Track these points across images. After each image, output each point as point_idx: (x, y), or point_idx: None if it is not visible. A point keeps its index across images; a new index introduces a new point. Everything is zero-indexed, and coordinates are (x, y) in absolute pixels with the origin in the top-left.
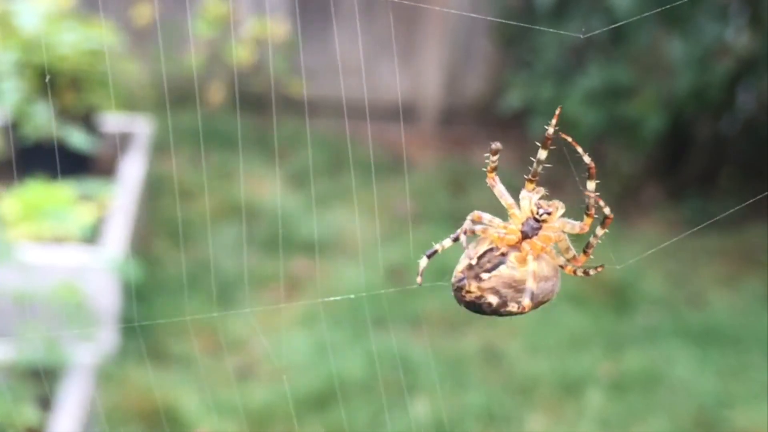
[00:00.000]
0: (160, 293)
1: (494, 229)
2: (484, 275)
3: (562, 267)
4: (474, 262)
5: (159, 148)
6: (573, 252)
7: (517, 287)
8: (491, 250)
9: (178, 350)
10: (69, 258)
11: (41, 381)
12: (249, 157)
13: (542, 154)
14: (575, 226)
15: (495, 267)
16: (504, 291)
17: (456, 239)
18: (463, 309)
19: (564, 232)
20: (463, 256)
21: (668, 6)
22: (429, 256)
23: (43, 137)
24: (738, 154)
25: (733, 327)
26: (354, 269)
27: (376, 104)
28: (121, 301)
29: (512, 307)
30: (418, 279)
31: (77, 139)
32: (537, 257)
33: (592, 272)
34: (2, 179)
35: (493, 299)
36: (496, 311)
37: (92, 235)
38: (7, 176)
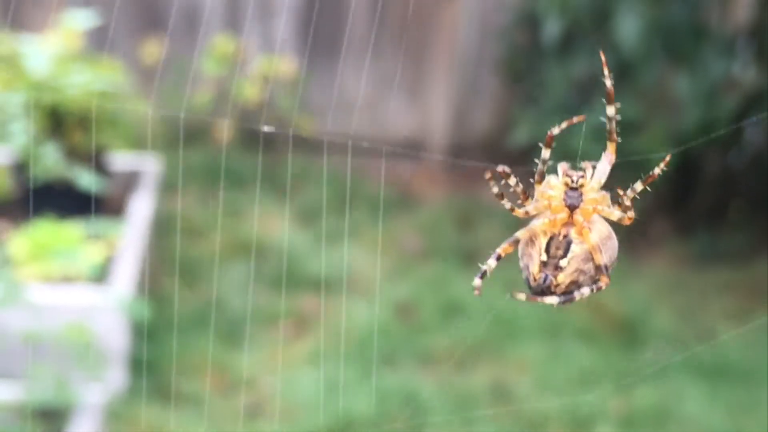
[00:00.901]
0: (168, 332)
1: (539, 220)
2: (562, 262)
3: (620, 220)
4: (545, 258)
5: (167, 187)
6: (618, 213)
7: (594, 260)
8: (552, 238)
9: (188, 389)
10: (78, 298)
11: (51, 421)
12: (257, 195)
13: (546, 153)
14: (612, 202)
15: (566, 250)
16: (586, 267)
17: (499, 257)
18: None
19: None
20: (523, 262)
21: (672, 41)
22: (481, 277)
23: (52, 178)
24: (746, 188)
25: (744, 362)
26: (363, 306)
27: (384, 140)
28: (130, 341)
29: (599, 284)
30: (476, 293)
31: (86, 180)
32: (592, 222)
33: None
34: (12, 219)
35: (582, 279)
36: (599, 289)
37: (101, 275)
38: (16, 216)
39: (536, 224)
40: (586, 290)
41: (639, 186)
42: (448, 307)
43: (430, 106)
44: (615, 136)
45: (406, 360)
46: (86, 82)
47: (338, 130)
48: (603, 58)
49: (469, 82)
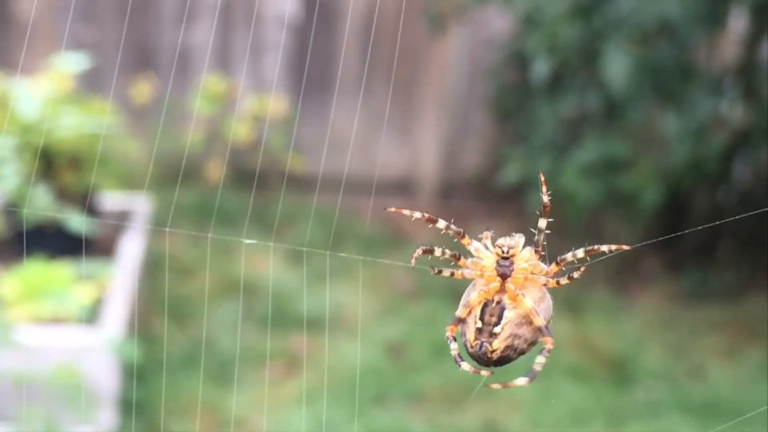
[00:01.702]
0: (158, 372)
1: (475, 291)
2: (496, 329)
3: (545, 285)
4: (480, 324)
5: (158, 226)
6: (545, 267)
7: (529, 321)
8: (486, 305)
9: (178, 429)
10: (68, 339)
11: None
12: (248, 234)
13: (542, 222)
14: (544, 267)
15: (500, 316)
16: (521, 331)
17: (449, 339)
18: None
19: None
20: (461, 330)
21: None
22: (425, 251)
23: (43, 219)
24: (736, 225)
25: (735, 400)
26: (353, 345)
27: (374, 179)
28: (120, 381)
29: (520, 341)
30: (413, 261)
31: (76, 222)
32: (525, 288)
33: (576, 275)
34: (2, 260)
35: (518, 342)
36: (523, 352)
37: (91, 316)
38: (7, 257)
39: (471, 298)
40: (541, 359)
41: (581, 253)
42: (438, 345)
43: (420, 144)
44: (540, 249)
45: (396, 399)
46: (77, 124)
47: (329, 168)
48: (542, 178)
49: (459, 120)
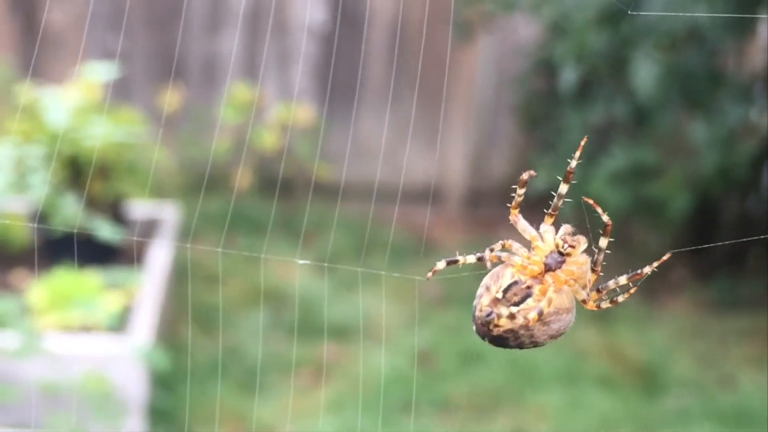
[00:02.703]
0: (186, 380)
1: (519, 258)
2: (513, 309)
3: (584, 302)
4: (500, 295)
5: (186, 234)
6: (588, 290)
7: (545, 320)
8: (515, 283)
9: None
10: (96, 347)
11: None
12: (276, 242)
13: (563, 188)
14: (587, 286)
15: (523, 300)
16: (532, 324)
17: (480, 258)
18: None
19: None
20: (481, 290)
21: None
22: (448, 263)
23: (72, 228)
24: (765, 233)
25: (765, 408)
26: (382, 353)
27: (401, 187)
28: (148, 389)
29: (525, 333)
30: (429, 274)
31: (106, 231)
32: (559, 290)
33: (620, 299)
34: (31, 268)
35: (522, 333)
36: (521, 345)
37: (120, 324)
38: (35, 265)
39: (516, 259)
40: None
41: (623, 280)
42: (466, 354)
43: (448, 152)
44: (599, 269)
45: (424, 407)
46: (106, 134)
47: (356, 176)
48: (591, 201)
49: (487, 128)
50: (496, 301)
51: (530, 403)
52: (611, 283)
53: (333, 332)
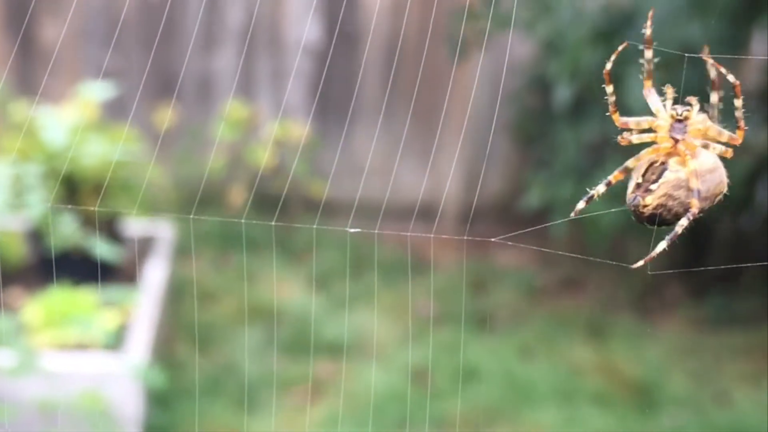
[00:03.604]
0: (183, 398)
1: (647, 149)
2: (653, 186)
3: (733, 140)
4: (639, 180)
5: (181, 252)
6: (727, 133)
7: (688, 186)
8: (651, 164)
9: None
10: (93, 365)
11: None
12: (270, 260)
13: (648, 53)
14: (723, 133)
15: (660, 176)
16: (677, 194)
17: (609, 184)
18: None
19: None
20: (629, 182)
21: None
22: (587, 201)
23: (68, 245)
24: (759, 251)
25: (760, 426)
26: (377, 372)
27: (396, 204)
28: (144, 408)
29: (690, 208)
30: (572, 214)
31: (102, 249)
32: (695, 154)
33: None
34: (27, 285)
35: (672, 204)
36: (677, 216)
37: (116, 342)
38: (31, 282)
39: (643, 152)
40: (683, 221)
41: (738, 102)
42: (462, 372)
43: (442, 169)
44: (742, 124)
45: (420, 425)
46: (101, 152)
47: (351, 193)
48: (711, 60)
49: (481, 145)
50: (637, 186)
51: (526, 421)
52: (738, 114)
53: (327, 349)
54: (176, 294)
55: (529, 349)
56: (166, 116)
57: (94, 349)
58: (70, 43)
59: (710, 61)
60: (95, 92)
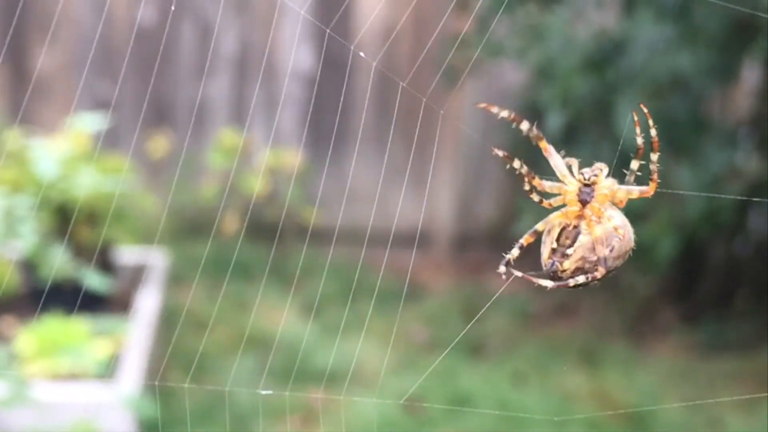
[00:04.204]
0: (175, 427)
1: (555, 213)
2: (569, 251)
3: (645, 193)
4: (554, 245)
5: (175, 280)
6: (637, 189)
7: (604, 245)
8: (564, 228)
9: None
10: (85, 395)
11: None
12: (265, 287)
13: (635, 164)
14: (633, 191)
15: (574, 240)
16: (592, 256)
17: (522, 247)
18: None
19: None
20: (542, 248)
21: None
22: (520, 248)
23: (60, 275)
24: (752, 275)
25: None
26: (370, 399)
27: (389, 231)
28: None
29: (590, 266)
30: (503, 277)
31: (94, 281)
32: (602, 218)
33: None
34: (19, 315)
35: (588, 266)
36: (595, 277)
37: (108, 371)
38: (23, 312)
39: (552, 216)
40: (580, 278)
41: (654, 156)
42: (455, 399)
43: (436, 196)
44: (656, 177)
45: None
46: (94, 183)
47: (345, 221)
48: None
49: (474, 172)
50: (553, 251)
51: None
52: (653, 167)
53: (321, 378)
54: (169, 322)
55: (522, 376)
56: (159, 144)
57: (87, 379)
58: (64, 71)
59: (637, 129)
60: (88, 124)
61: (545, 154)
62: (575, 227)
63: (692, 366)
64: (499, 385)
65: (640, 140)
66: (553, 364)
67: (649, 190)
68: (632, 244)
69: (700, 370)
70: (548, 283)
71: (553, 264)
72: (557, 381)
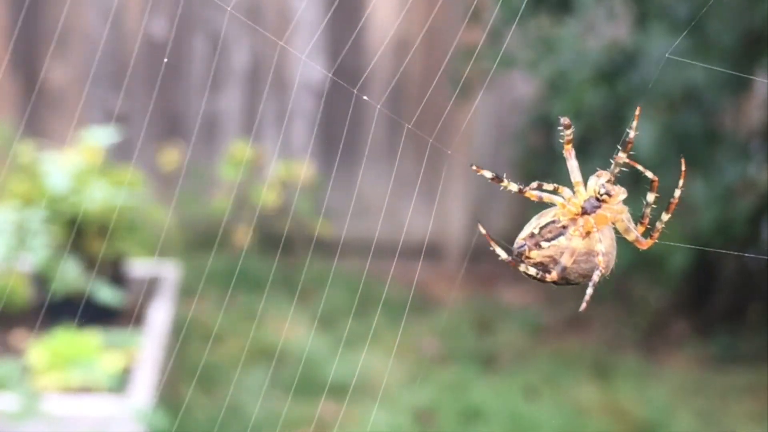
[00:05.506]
0: None
1: (558, 197)
2: (544, 243)
3: (637, 242)
4: (536, 231)
5: (186, 292)
6: (636, 234)
7: (574, 259)
8: (554, 222)
9: None
10: (96, 408)
11: None
12: (275, 299)
13: (651, 197)
14: (631, 232)
15: (555, 237)
16: (561, 260)
17: (520, 191)
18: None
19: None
20: (526, 225)
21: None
22: (493, 178)
23: (72, 288)
24: (765, 288)
25: None
26: (382, 412)
27: (400, 243)
28: None
29: (552, 276)
30: (474, 167)
31: (105, 293)
32: (587, 235)
33: (662, 225)
34: (30, 328)
35: (551, 266)
36: (542, 279)
37: (120, 384)
38: (35, 325)
39: (556, 199)
40: (532, 270)
41: (651, 197)
42: (467, 412)
43: (447, 209)
44: (647, 222)
45: None
46: (106, 196)
47: (356, 233)
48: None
49: (486, 184)
50: (531, 236)
51: None
52: (647, 210)
53: (332, 390)
54: (181, 334)
55: (534, 389)
56: (171, 157)
57: (98, 392)
58: (76, 84)
59: (639, 166)
60: (99, 137)
61: (566, 154)
62: (563, 227)
63: (705, 379)
64: (511, 398)
65: (650, 174)
66: (565, 377)
67: (644, 243)
68: (607, 272)
69: (713, 382)
70: (503, 255)
71: (522, 246)
72: (569, 394)
